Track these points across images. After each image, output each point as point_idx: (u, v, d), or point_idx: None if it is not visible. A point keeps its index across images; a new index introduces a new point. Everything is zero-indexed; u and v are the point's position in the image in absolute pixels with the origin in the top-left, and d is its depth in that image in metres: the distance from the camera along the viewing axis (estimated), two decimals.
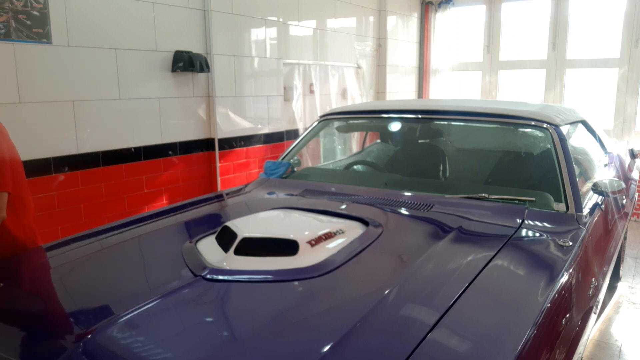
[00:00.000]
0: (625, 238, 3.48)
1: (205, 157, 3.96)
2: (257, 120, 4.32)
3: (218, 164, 3.98)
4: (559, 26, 5.76)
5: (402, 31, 6.16)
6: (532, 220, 1.98)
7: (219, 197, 2.62)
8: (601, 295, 2.02)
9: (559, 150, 2.26)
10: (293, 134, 4.74)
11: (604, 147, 3.24)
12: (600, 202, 2.33)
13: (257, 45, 4.23)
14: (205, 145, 3.95)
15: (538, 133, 2.49)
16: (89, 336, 1.22)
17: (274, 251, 1.62)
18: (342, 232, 1.78)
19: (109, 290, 1.56)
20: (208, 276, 1.51)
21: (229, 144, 4.08)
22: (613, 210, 2.52)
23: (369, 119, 3.07)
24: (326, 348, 1.15)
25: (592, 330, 2.24)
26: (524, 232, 1.90)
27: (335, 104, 5.23)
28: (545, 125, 2.38)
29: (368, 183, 2.61)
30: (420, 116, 2.78)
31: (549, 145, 2.34)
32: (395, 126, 2.94)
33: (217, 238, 1.78)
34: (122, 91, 3.30)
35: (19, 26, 2.72)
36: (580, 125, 2.89)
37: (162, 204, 3.64)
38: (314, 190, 2.48)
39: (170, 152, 3.68)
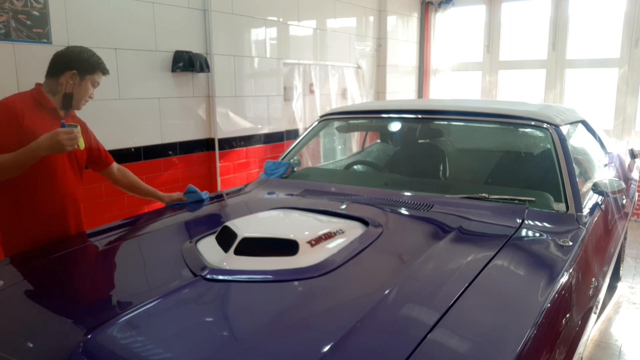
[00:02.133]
0: (625, 238, 3.48)
1: (205, 157, 3.96)
2: (257, 120, 4.32)
3: (218, 164, 3.98)
4: (559, 26, 5.76)
5: (402, 31, 6.16)
6: (532, 220, 1.98)
7: (219, 197, 2.62)
8: (601, 295, 2.02)
9: (559, 150, 2.26)
10: (293, 134, 4.74)
11: (604, 147, 3.24)
12: (600, 202, 2.33)
13: (257, 45, 4.23)
14: (205, 145, 3.95)
15: (538, 133, 2.49)
16: (89, 336, 1.22)
17: (274, 251, 1.62)
18: (342, 232, 1.78)
19: (109, 290, 1.57)
20: (208, 276, 1.51)
21: (229, 144, 4.08)
22: (613, 210, 2.52)
23: (369, 119, 3.07)
24: (326, 348, 1.15)
25: (592, 330, 2.23)
26: (524, 232, 1.90)
27: (335, 104, 5.23)
28: (545, 125, 2.39)
29: (368, 183, 2.61)
30: (420, 116, 2.78)
31: (549, 145, 2.34)
32: (395, 126, 2.94)
33: (217, 238, 1.78)
34: (122, 91, 3.30)
35: (19, 26, 2.72)
36: (580, 125, 2.89)
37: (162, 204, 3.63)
38: (314, 190, 2.48)
39: (170, 152, 3.68)
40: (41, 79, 2.88)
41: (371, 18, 5.71)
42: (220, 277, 1.51)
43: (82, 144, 2.00)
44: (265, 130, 4.42)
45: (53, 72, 2.07)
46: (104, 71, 2.16)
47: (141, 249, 1.92)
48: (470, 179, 2.65)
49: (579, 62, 5.77)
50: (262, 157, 4.39)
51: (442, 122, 2.81)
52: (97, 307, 1.45)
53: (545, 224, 1.98)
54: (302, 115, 4.86)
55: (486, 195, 2.16)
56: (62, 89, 2.07)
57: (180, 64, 3.56)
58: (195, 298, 1.43)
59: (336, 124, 3.11)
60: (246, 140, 4.24)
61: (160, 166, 3.62)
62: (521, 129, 2.57)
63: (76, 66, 2.07)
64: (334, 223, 1.85)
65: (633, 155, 3.81)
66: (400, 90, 6.24)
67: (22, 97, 2.04)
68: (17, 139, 1.91)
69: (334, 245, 1.69)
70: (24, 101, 2.01)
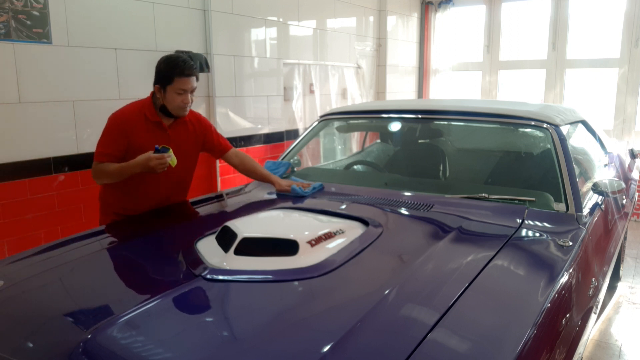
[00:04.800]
0: (625, 238, 3.48)
1: (205, 157, 3.93)
2: (257, 120, 4.32)
3: (218, 164, 3.98)
4: (559, 26, 5.76)
5: (402, 31, 6.16)
6: (532, 220, 1.98)
7: (219, 197, 2.62)
8: (601, 295, 2.02)
9: (559, 150, 2.26)
10: (293, 134, 4.74)
11: (604, 147, 3.24)
12: (600, 202, 2.33)
13: (257, 45, 4.23)
14: None
15: (538, 133, 2.49)
16: (89, 336, 1.22)
17: (274, 251, 1.62)
18: (342, 232, 1.78)
19: (109, 290, 1.56)
20: (208, 276, 1.51)
21: None
22: (613, 210, 2.51)
23: (369, 119, 3.07)
24: (326, 348, 1.15)
25: (592, 330, 2.23)
26: (524, 232, 1.90)
27: (335, 104, 5.22)
28: (545, 125, 2.38)
29: (368, 183, 2.61)
30: (420, 116, 2.78)
31: (549, 145, 2.34)
32: (395, 126, 2.94)
33: (217, 238, 1.78)
34: (122, 91, 3.30)
35: (19, 26, 2.72)
36: (580, 125, 2.89)
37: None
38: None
39: None
40: (41, 79, 2.89)
41: (371, 18, 5.71)
42: (220, 277, 1.51)
43: (174, 162, 2.17)
44: (265, 130, 4.42)
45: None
46: (183, 75, 2.19)
47: (141, 249, 1.92)
48: (470, 179, 2.65)
49: (579, 62, 5.77)
50: (262, 157, 4.38)
51: (442, 122, 2.81)
52: (97, 307, 1.45)
53: (545, 224, 1.98)
54: (302, 115, 4.86)
55: (486, 195, 2.16)
56: (159, 101, 2.26)
57: None
58: (195, 298, 1.43)
59: (336, 124, 3.11)
60: (246, 140, 4.24)
61: None
62: (521, 129, 2.57)
63: (157, 79, 2.23)
64: (334, 223, 1.85)
65: (633, 155, 3.81)
66: (400, 90, 6.24)
67: (134, 109, 2.27)
68: (124, 149, 2.22)
69: (334, 245, 1.69)
70: (134, 113, 2.25)
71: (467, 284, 1.44)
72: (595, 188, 2.29)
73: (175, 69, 2.18)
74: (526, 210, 2.03)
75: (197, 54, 3.68)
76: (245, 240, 1.64)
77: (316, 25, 4.92)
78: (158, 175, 2.27)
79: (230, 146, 2.58)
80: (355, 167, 3.11)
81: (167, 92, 2.22)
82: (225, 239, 1.71)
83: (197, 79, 2.29)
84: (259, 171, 2.58)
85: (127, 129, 2.22)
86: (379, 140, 3.44)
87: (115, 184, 2.29)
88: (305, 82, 4.85)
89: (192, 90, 2.26)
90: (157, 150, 2.14)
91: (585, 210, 2.10)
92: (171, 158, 2.16)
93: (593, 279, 1.85)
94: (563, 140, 2.31)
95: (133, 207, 2.34)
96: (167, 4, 3.50)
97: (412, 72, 6.48)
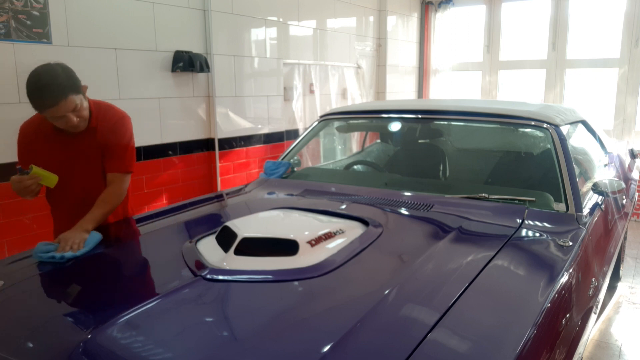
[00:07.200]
0: (625, 238, 3.48)
1: (205, 157, 3.96)
2: (257, 120, 4.32)
3: (218, 164, 3.98)
4: (559, 26, 5.76)
5: (402, 31, 6.16)
6: (532, 220, 1.98)
7: (219, 197, 2.62)
8: (601, 295, 2.02)
9: (559, 150, 2.26)
10: (293, 134, 4.74)
11: (604, 147, 3.24)
12: (600, 202, 2.33)
13: (257, 45, 4.23)
14: (205, 145, 3.95)
15: (538, 133, 2.49)
16: (89, 336, 1.22)
17: (274, 251, 1.62)
18: (342, 232, 1.77)
19: (109, 290, 1.56)
20: (208, 276, 1.51)
21: (229, 144, 4.08)
22: (613, 210, 2.51)
23: (369, 119, 3.07)
24: (326, 348, 1.15)
25: (592, 330, 2.23)
26: (524, 232, 1.90)
27: (335, 104, 5.22)
28: (545, 125, 2.39)
29: (368, 183, 2.61)
30: (420, 116, 2.78)
31: (549, 145, 2.34)
32: (395, 126, 2.94)
33: (217, 238, 1.78)
34: (122, 91, 3.30)
35: (19, 26, 2.72)
36: (580, 125, 2.89)
37: (162, 204, 3.63)
38: (314, 190, 2.48)
39: (170, 152, 3.68)
40: None
41: (371, 18, 5.71)
42: (220, 277, 1.51)
43: (49, 182, 1.93)
44: (265, 130, 4.42)
45: None
46: (42, 111, 1.88)
47: (141, 248, 1.92)
48: (470, 179, 2.65)
49: (579, 62, 5.77)
50: (262, 157, 4.39)
51: (442, 122, 2.81)
52: (97, 307, 1.45)
53: (545, 224, 1.98)
54: (302, 115, 4.86)
55: (486, 195, 2.16)
56: None
57: (180, 64, 3.56)
58: (195, 298, 1.43)
59: (336, 124, 3.11)
60: (246, 140, 4.24)
61: (160, 166, 3.62)
62: (521, 129, 2.57)
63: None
64: (334, 223, 1.85)
65: (633, 155, 3.81)
66: (400, 90, 6.24)
67: (38, 117, 2.09)
68: (31, 160, 2.04)
69: (334, 245, 1.69)
70: (36, 122, 2.11)
71: (467, 284, 1.44)
72: (595, 188, 2.29)
73: (34, 105, 1.89)
74: (526, 210, 2.03)
75: (197, 54, 3.68)
76: (245, 240, 1.64)
77: (316, 25, 4.93)
78: (63, 186, 2.05)
79: (113, 170, 2.16)
80: (355, 167, 3.11)
81: (48, 118, 1.96)
82: (225, 239, 1.71)
83: (77, 94, 1.94)
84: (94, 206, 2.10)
85: (25, 139, 2.11)
86: (379, 140, 3.44)
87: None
88: (305, 82, 4.85)
89: (71, 110, 1.92)
90: (21, 172, 1.91)
91: (585, 210, 2.10)
92: (41, 179, 1.91)
93: (593, 279, 1.85)
94: (563, 140, 2.31)
95: (57, 217, 2.28)
96: (167, 4, 3.51)
97: (412, 72, 6.48)
